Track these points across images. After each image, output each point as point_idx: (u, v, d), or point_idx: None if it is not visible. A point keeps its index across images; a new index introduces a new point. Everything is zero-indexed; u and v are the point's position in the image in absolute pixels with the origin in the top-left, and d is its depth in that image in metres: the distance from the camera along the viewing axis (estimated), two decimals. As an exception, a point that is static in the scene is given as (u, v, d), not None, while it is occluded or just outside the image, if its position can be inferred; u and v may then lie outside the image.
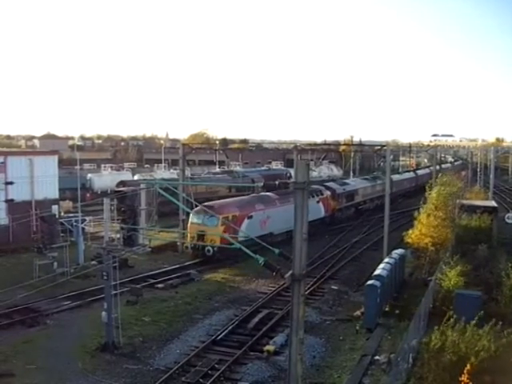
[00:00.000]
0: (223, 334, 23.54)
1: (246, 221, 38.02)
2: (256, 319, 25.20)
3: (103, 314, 21.89)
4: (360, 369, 20.22)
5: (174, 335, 23.73)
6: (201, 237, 35.66)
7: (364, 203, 61.31)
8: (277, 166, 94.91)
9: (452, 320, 17.93)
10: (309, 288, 29.11)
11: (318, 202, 48.15)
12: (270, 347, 21.92)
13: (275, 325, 24.91)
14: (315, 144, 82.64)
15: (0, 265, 34.59)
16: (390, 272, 26.98)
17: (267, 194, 45.26)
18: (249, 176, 68.10)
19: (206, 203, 36.71)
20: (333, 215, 52.32)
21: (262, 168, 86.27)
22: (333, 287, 31.60)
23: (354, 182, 62.16)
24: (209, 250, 35.55)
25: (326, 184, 55.25)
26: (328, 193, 51.45)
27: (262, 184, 55.10)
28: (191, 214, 36.74)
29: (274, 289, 30.22)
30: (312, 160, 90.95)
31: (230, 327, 24.27)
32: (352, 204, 57.86)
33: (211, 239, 35.38)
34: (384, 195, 60.16)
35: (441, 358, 16.35)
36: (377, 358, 21.13)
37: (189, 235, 37.15)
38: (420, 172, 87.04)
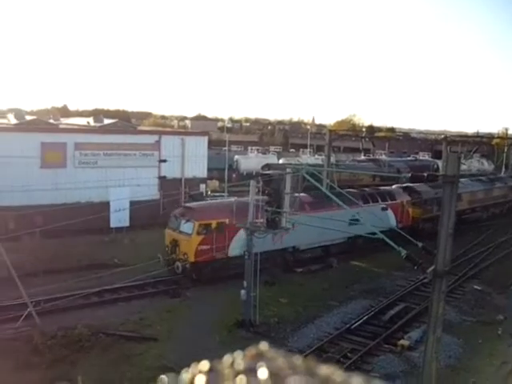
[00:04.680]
0: (358, 323, 23.52)
1: (242, 231, 27.01)
2: (392, 312, 24.90)
3: (242, 291, 22.57)
4: (498, 376, 19.39)
5: (308, 319, 24.02)
6: (174, 248, 28.09)
7: (472, 211, 47.99)
8: (424, 156, 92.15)
9: None
10: (450, 285, 28.17)
11: (384, 209, 35.51)
12: (404, 342, 21.59)
13: (411, 320, 24.49)
14: (466, 136, 79.11)
15: (150, 237, 36.69)
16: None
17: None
18: (394, 165, 66.74)
19: (186, 204, 31.30)
20: (413, 227, 37.37)
21: (408, 158, 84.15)
22: (475, 287, 30.37)
23: (460, 184, 47.01)
24: (178, 267, 27.34)
25: (409, 185, 41.49)
26: (406, 197, 39.42)
27: (408, 175, 49.97)
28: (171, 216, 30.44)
29: (412, 283, 29.60)
30: (462, 152, 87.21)
31: (366, 317, 24.17)
32: None
33: (184, 252, 27.59)
34: (506, 202, 53.53)
35: None
36: (518, 366, 20.16)
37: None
38: None
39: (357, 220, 30.19)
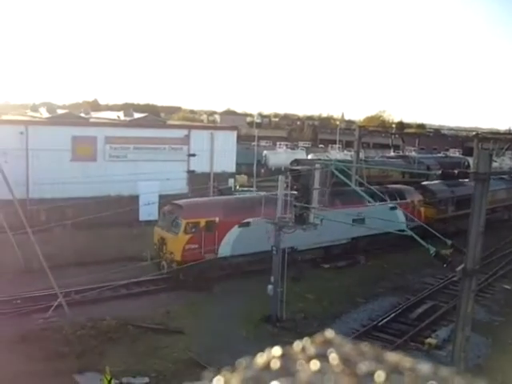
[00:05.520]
0: (385, 320, 23.41)
1: (235, 230, 27.39)
2: (420, 310, 24.74)
3: (269, 287, 22.60)
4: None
5: (335, 315, 23.99)
6: (161, 246, 26.99)
7: (492, 212, 40.05)
8: (454, 153, 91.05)
9: None
10: (479, 284, 27.80)
11: (392, 208, 32.65)
12: (431, 340, 21.43)
13: (439, 318, 24.30)
14: (498, 132, 77.96)
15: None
16: None
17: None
18: (424, 162, 65.98)
19: (174, 201, 29.09)
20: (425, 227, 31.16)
21: (439, 155, 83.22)
22: (505, 286, 29.99)
23: None
24: (163, 267, 26.38)
25: (423, 184, 40.86)
26: (418, 196, 37.40)
27: (439, 172, 47.86)
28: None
29: (441, 281, 29.31)
30: (493, 150, 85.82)
31: (393, 315, 24.06)
32: (467, 213, 37.79)
33: (170, 251, 26.46)
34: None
35: None
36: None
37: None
38: None
39: (362, 220, 30.02)
